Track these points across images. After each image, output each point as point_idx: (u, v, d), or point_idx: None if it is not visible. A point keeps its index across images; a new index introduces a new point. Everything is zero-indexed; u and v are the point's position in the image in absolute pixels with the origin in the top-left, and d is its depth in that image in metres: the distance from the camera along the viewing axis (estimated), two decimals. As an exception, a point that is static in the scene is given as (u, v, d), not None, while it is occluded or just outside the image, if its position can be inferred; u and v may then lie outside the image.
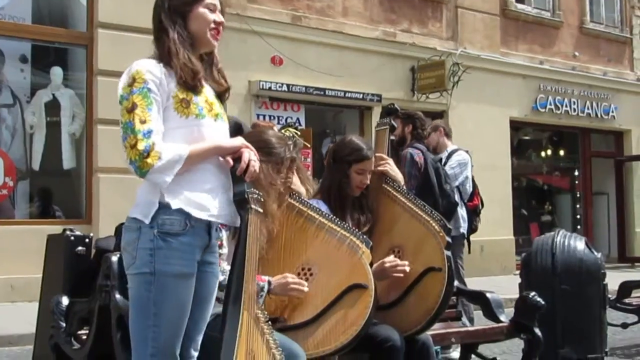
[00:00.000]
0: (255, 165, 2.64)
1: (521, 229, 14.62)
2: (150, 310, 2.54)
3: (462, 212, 6.41)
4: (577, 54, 15.57)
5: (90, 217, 9.47)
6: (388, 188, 3.92)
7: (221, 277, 2.87)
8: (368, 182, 3.86)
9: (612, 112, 16.05)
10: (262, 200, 3.11)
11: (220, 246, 3.03)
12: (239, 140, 2.69)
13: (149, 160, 2.46)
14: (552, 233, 5.68)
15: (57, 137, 9.83)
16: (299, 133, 3.82)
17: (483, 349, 4.55)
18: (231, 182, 2.65)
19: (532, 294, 4.36)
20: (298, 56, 11.38)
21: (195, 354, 2.71)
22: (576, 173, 16.38)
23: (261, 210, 2.69)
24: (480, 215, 6.99)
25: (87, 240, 3.64)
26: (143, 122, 2.49)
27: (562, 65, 15.25)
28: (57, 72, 9.91)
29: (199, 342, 2.73)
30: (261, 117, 11.01)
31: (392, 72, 12.57)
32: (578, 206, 16.27)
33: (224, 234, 3.08)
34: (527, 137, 15.92)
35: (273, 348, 2.65)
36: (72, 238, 3.59)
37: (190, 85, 2.62)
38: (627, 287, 7.02)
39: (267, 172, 3.19)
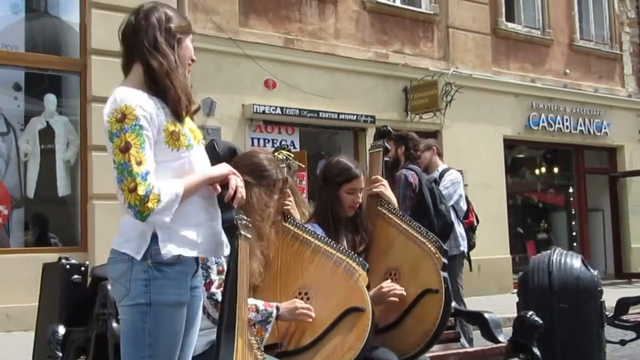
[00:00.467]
0: (243, 191, 2.63)
1: (517, 247, 14.63)
2: (145, 341, 2.52)
3: (460, 230, 6.42)
4: (568, 71, 15.65)
5: (86, 244, 9.43)
6: (383, 210, 3.92)
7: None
8: (360, 200, 3.85)
9: (605, 128, 16.11)
10: (257, 224, 3.12)
11: (221, 272, 3.03)
12: (226, 168, 2.66)
13: (149, 204, 2.43)
14: (549, 251, 5.69)
15: (51, 165, 9.81)
16: (292, 155, 3.80)
17: (482, 369, 4.53)
18: (216, 212, 2.65)
19: (530, 313, 4.36)
20: (291, 79, 11.41)
21: None
22: (571, 190, 16.40)
23: (250, 236, 2.68)
24: (476, 232, 7.00)
25: (82, 268, 3.62)
26: (139, 163, 2.45)
27: (554, 82, 15.33)
28: (50, 99, 9.91)
29: None
30: (255, 141, 11.04)
31: (385, 93, 12.62)
32: (573, 223, 16.28)
33: (223, 260, 3.07)
34: (520, 155, 15.96)
35: (267, 374, 2.65)
36: (68, 266, 3.58)
37: (179, 111, 2.60)
38: (625, 304, 7.01)
39: (260, 195, 3.20)
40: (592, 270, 5.47)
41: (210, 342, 2.81)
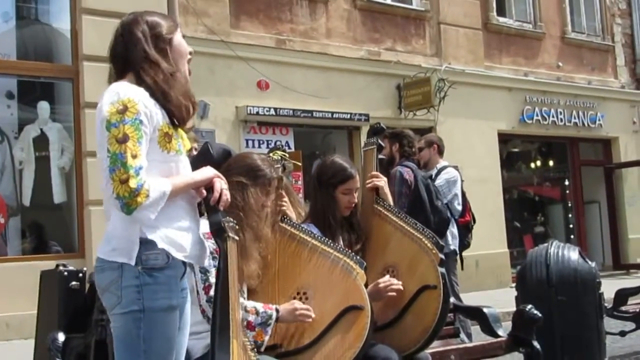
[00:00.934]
0: (227, 193, 2.63)
1: (515, 241, 14.66)
2: (140, 348, 2.50)
3: (452, 229, 6.41)
4: (560, 64, 15.68)
5: (83, 250, 9.41)
6: (379, 208, 3.91)
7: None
8: (356, 200, 3.85)
9: (599, 120, 16.15)
10: (254, 225, 3.13)
11: None
12: (211, 171, 2.66)
13: (138, 199, 2.41)
14: (546, 244, 5.70)
15: (46, 172, 9.81)
16: (287, 156, 3.79)
17: (482, 364, 4.55)
18: (198, 219, 2.66)
19: (529, 307, 4.37)
20: (284, 79, 11.42)
21: None
22: (566, 183, 16.44)
23: (237, 238, 2.69)
24: (473, 231, 6.99)
25: (80, 274, 3.63)
26: (134, 157, 2.44)
27: (547, 76, 15.36)
28: (44, 106, 9.91)
29: None
30: (250, 142, 11.04)
31: (378, 91, 12.63)
32: (570, 216, 16.32)
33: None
34: (515, 149, 15.99)
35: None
36: (66, 273, 3.58)
37: (180, 119, 2.61)
38: (623, 295, 7.03)
39: (256, 195, 3.20)
40: (589, 262, 5.48)
41: (208, 346, 2.81)
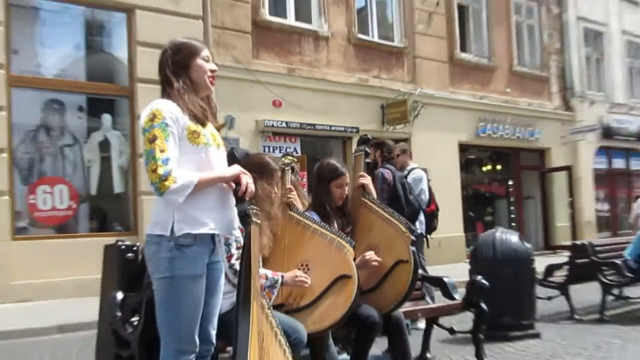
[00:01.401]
0: (252, 186, 2.59)
1: (469, 227, 14.63)
2: (172, 306, 2.50)
3: (420, 217, 6.40)
4: (508, 90, 15.64)
5: (137, 230, 9.46)
6: (365, 200, 3.92)
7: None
8: (346, 193, 3.86)
9: (536, 134, 16.12)
10: (267, 209, 3.15)
11: (239, 248, 3.03)
12: (237, 169, 2.62)
13: (166, 183, 2.41)
14: (493, 230, 5.74)
15: (108, 169, 9.83)
16: (295, 160, 3.82)
17: (443, 320, 4.58)
18: (229, 201, 2.61)
19: (479, 277, 4.40)
20: (293, 99, 11.41)
21: (214, 331, 2.68)
22: (510, 182, 16.40)
23: (259, 222, 2.66)
24: (438, 218, 6.99)
25: (135, 248, 3.62)
26: (162, 151, 2.44)
27: (497, 99, 15.32)
28: (107, 118, 9.92)
29: (215, 322, 2.70)
30: (266, 148, 11.04)
31: (366, 110, 12.62)
32: (512, 208, 16.28)
33: (241, 238, 3.07)
34: (472, 156, 15.96)
35: (275, 327, 2.65)
36: (123, 247, 3.58)
37: (200, 119, 2.58)
38: (551, 269, 7.08)
39: (264, 185, 3.22)
40: (526, 244, 5.53)
41: (233, 303, 2.83)
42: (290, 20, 11.86)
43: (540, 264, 6.27)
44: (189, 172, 2.48)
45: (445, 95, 14.03)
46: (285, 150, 11.24)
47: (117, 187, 9.89)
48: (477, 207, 15.85)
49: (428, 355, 4.67)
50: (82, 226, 9.55)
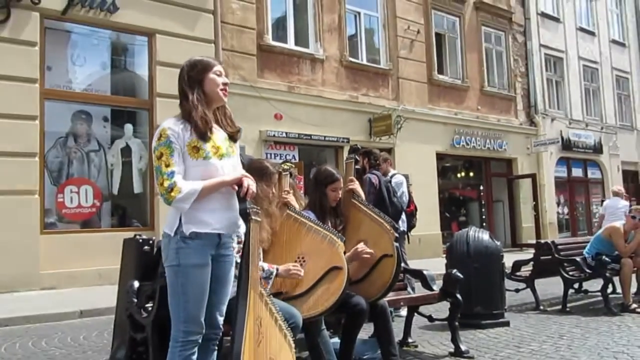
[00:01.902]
0: (253, 188, 2.56)
1: (445, 226, 14.63)
2: (180, 290, 2.49)
3: (402, 216, 6.37)
4: (479, 107, 15.70)
5: (153, 225, 9.43)
6: (355, 202, 3.91)
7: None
8: (340, 196, 3.85)
9: (504, 146, 16.16)
10: (266, 207, 3.12)
11: (240, 242, 2.99)
12: (239, 173, 2.60)
13: (172, 193, 2.43)
14: (467, 229, 5.70)
15: (129, 171, 9.78)
16: (294, 166, 3.80)
17: (422, 309, 4.55)
18: (232, 203, 2.58)
19: (454, 270, 4.37)
20: (292, 113, 11.41)
21: (221, 318, 2.66)
22: (481, 188, 16.42)
23: (259, 220, 2.64)
24: (417, 217, 6.96)
25: (151, 242, 3.59)
26: (167, 165, 2.46)
27: (470, 115, 15.36)
28: (129, 127, 9.88)
29: (224, 310, 2.66)
30: (268, 155, 11.02)
31: (356, 123, 12.61)
32: (483, 210, 16.30)
33: (242, 235, 3.03)
34: (448, 164, 15.98)
35: (275, 312, 2.62)
36: (141, 240, 3.55)
37: (202, 133, 2.53)
38: (518, 265, 7.05)
39: (263, 186, 3.20)
40: (496, 242, 5.49)
41: (235, 291, 2.79)
42: (291, 45, 11.86)
43: (509, 259, 6.24)
44: (193, 181, 2.48)
45: (424, 111, 14.03)
46: (285, 157, 11.22)
47: (137, 187, 9.84)
48: (453, 208, 15.86)
49: (409, 339, 4.63)
50: (104, 222, 9.50)
